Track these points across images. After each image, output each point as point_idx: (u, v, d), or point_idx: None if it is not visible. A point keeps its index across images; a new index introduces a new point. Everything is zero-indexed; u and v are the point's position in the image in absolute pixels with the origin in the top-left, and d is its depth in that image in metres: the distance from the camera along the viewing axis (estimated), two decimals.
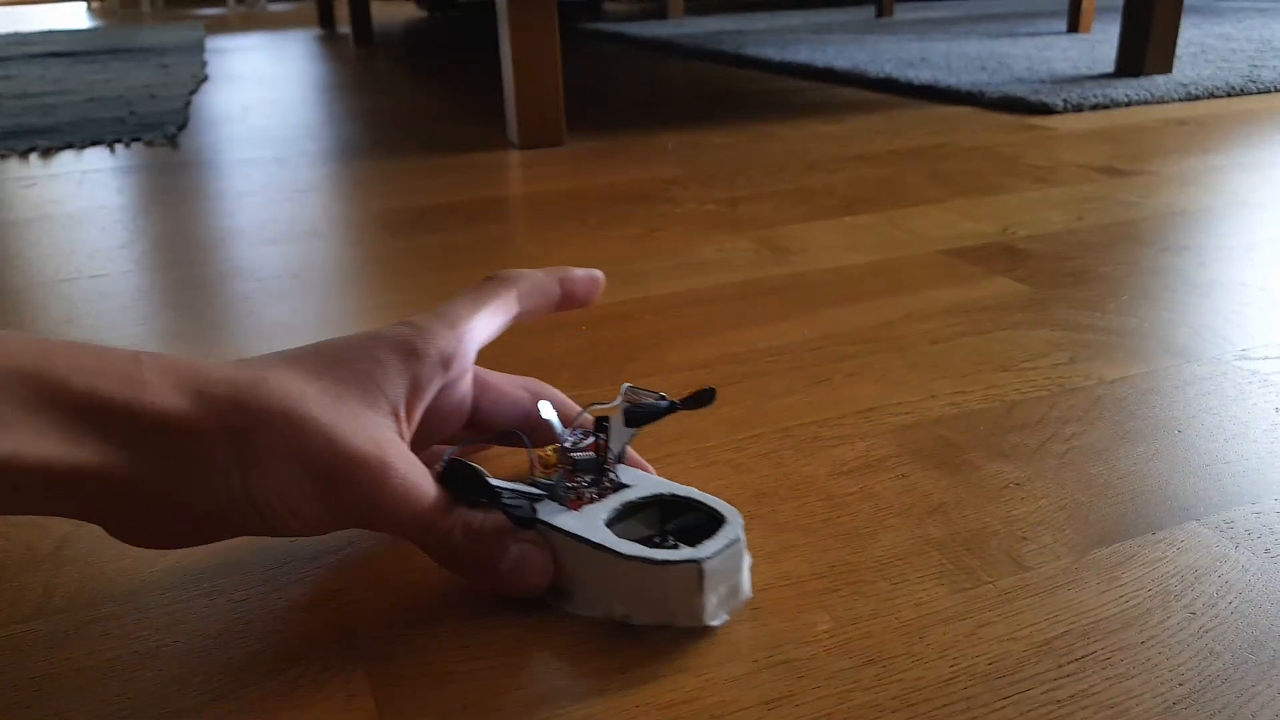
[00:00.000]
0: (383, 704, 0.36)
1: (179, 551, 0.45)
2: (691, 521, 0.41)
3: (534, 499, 0.40)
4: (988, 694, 0.35)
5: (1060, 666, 0.36)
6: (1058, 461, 0.50)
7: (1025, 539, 0.43)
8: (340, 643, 0.39)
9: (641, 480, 0.42)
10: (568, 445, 0.42)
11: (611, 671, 0.37)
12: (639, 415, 0.43)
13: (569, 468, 0.42)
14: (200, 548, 0.45)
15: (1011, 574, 0.41)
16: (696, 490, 0.42)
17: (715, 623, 0.38)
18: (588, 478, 0.42)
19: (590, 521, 0.39)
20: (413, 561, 0.43)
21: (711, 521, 0.40)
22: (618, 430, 0.43)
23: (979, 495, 0.47)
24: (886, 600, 0.40)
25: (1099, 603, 0.39)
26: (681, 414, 0.56)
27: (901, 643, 0.37)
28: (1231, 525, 0.44)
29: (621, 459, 0.44)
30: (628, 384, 0.45)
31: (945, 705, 0.34)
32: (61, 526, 0.47)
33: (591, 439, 0.43)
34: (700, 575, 0.37)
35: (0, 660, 0.38)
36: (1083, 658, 0.36)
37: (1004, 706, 0.34)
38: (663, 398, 0.43)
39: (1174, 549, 0.42)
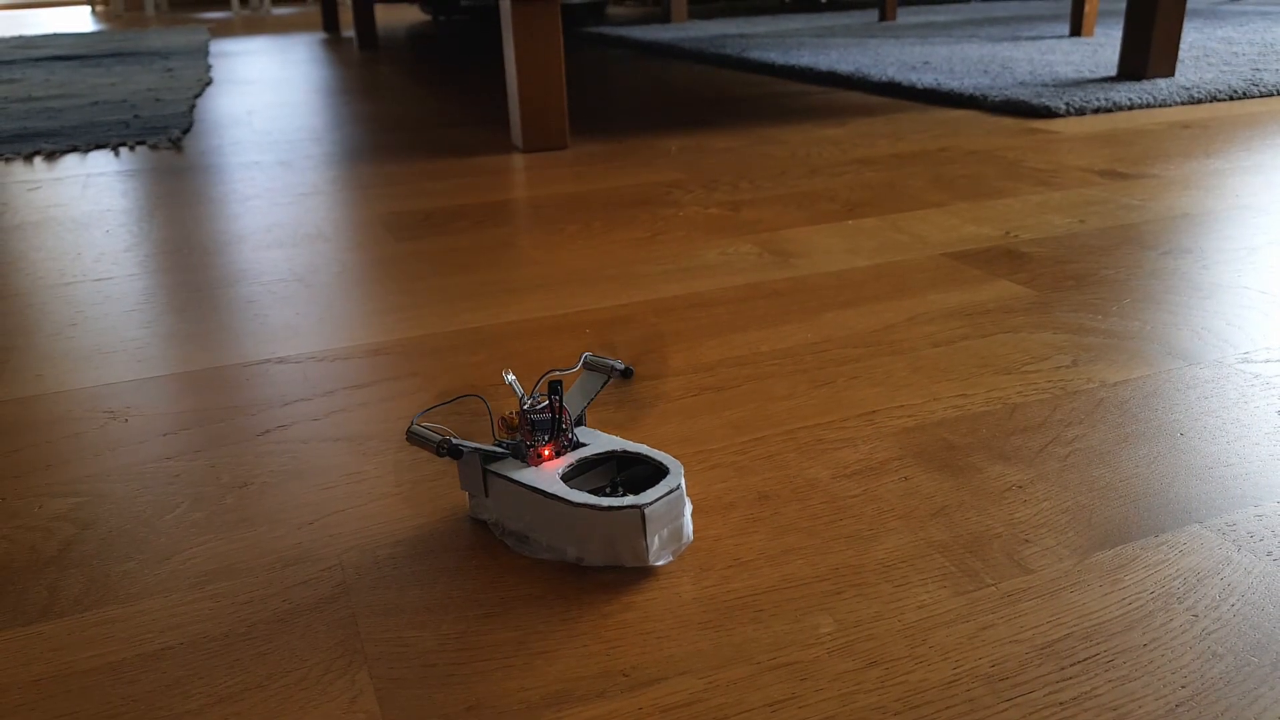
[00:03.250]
0: (386, 705, 0.36)
1: (183, 554, 0.45)
2: (640, 474, 0.45)
3: (496, 457, 0.45)
4: (990, 696, 0.35)
5: (1063, 669, 0.36)
6: (1060, 464, 0.50)
7: (1028, 541, 0.43)
8: (343, 645, 0.39)
9: (597, 439, 0.47)
10: (527, 408, 0.46)
11: (615, 674, 0.37)
12: (595, 379, 0.47)
13: (529, 428, 0.45)
14: (204, 551, 0.45)
15: (1014, 576, 0.41)
16: (646, 446, 0.46)
17: (659, 563, 0.42)
18: (545, 436, 0.45)
19: (547, 475, 0.43)
20: (415, 564, 0.44)
21: (657, 473, 0.44)
22: (575, 394, 0.48)
23: (981, 498, 0.47)
24: (889, 603, 0.40)
25: (1101, 605, 0.39)
26: (684, 416, 0.56)
27: (904, 645, 0.38)
28: (1234, 528, 0.44)
29: (581, 421, 0.48)
30: (588, 352, 0.48)
31: (948, 707, 0.34)
32: (66, 530, 0.47)
33: (549, 402, 0.46)
34: (642, 519, 0.41)
35: (4, 662, 0.39)
36: (1085, 660, 0.36)
37: (1007, 709, 0.34)
38: (619, 363, 0.47)
39: (1176, 551, 0.42)
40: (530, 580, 0.42)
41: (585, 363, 0.48)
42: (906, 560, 0.42)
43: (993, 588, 0.40)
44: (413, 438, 0.45)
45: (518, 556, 0.44)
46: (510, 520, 0.45)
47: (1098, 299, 0.71)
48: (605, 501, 0.41)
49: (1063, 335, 0.65)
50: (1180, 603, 0.39)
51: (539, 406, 0.46)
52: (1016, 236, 0.87)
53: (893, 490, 0.48)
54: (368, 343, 0.69)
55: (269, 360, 0.66)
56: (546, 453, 0.45)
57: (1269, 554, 0.42)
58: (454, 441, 0.44)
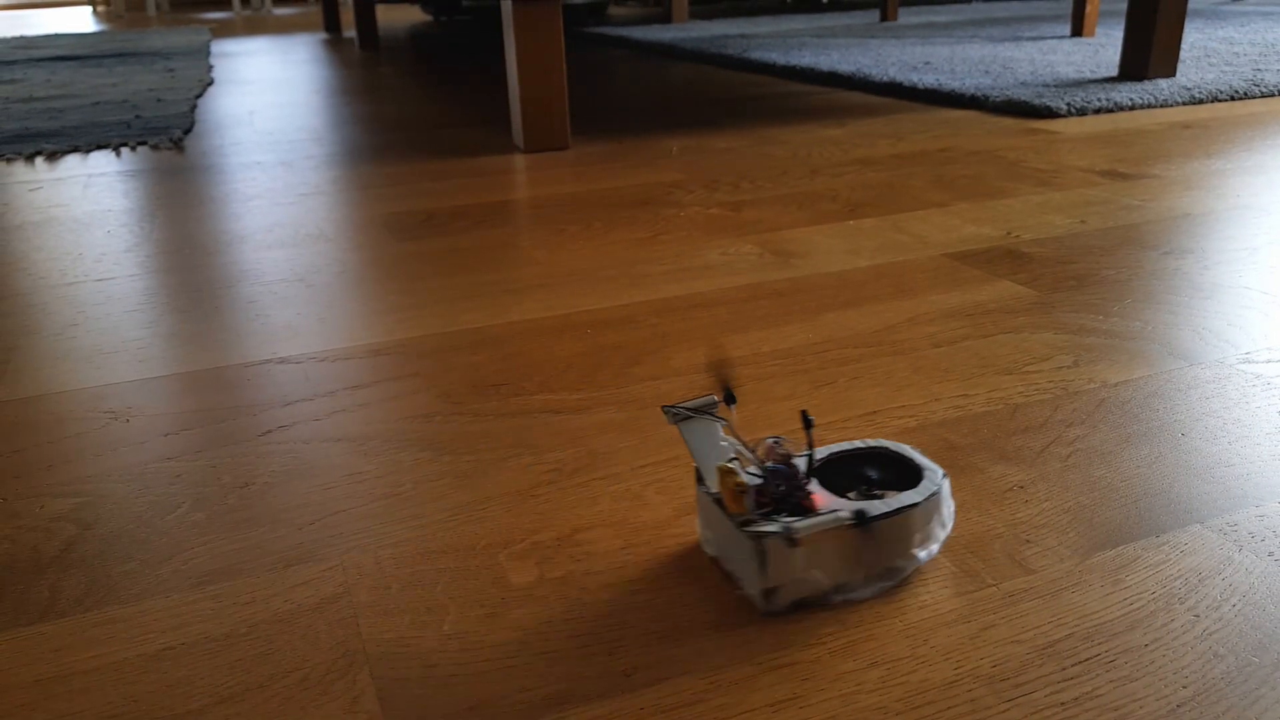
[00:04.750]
0: (387, 706, 0.36)
1: (184, 555, 0.45)
2: (877, 476, 0.44)
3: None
4: (991, 696, 0.35)
5: (1064, 669, 0.36)
6: (1061, 464, 0.50)
7: (1029, 542, 0.43)
8: (344, 645, 0.39)
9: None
10: (762, 477, 0.42)
11: (616, 674, 0.37)
12: (711, 425, 0.43)
13: (782, 483, 0.41)
14: (205, 551, 0.45)
15: (1015, 577, 0.41)
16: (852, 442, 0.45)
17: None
18: (782, 485, 0.41)
19: (832, 508, 0.40)
20: (417, 564, 0.44)
21: (909, 474, 0.43)
22: (708, 449, 0.43)
23: (983, 498, 0.47)
24: (891, 603, 0.40)
25: (1103, 605, 0.39)
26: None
27: (906, 645, 0.38)
28: (1235, 528, 0.44)
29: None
30: (668, 406, 0.43)
31: (949, 708, 0.34)
32: (67, 530, 0.47)
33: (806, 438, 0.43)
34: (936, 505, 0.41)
35: (6, 662, 0.39)
36: (1087, 660, 0.36)
37: (1008, 709, 0.34)
38: (715, 397, 0.44)
39: (1178, 552, 0.42)
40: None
41: (680, 414, 0.43)
42: None
43: (994, 588, 0.40)
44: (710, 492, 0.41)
45: (519, 556, 0.44)
46: (823, 578, 0.40)
47: (1099, 299, 0.71)
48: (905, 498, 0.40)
49: (1064, 335, 0.65)
50: (1182, 603, 0.39)
51: (771, 467, 0.41)
52: (1017, 237, 0.87)
53: None
54: (369, 343, 0.69)
55: (270, 360, 0.66)
56: (817, 497, 0.41)
57: (1270, 554, 0.42)
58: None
